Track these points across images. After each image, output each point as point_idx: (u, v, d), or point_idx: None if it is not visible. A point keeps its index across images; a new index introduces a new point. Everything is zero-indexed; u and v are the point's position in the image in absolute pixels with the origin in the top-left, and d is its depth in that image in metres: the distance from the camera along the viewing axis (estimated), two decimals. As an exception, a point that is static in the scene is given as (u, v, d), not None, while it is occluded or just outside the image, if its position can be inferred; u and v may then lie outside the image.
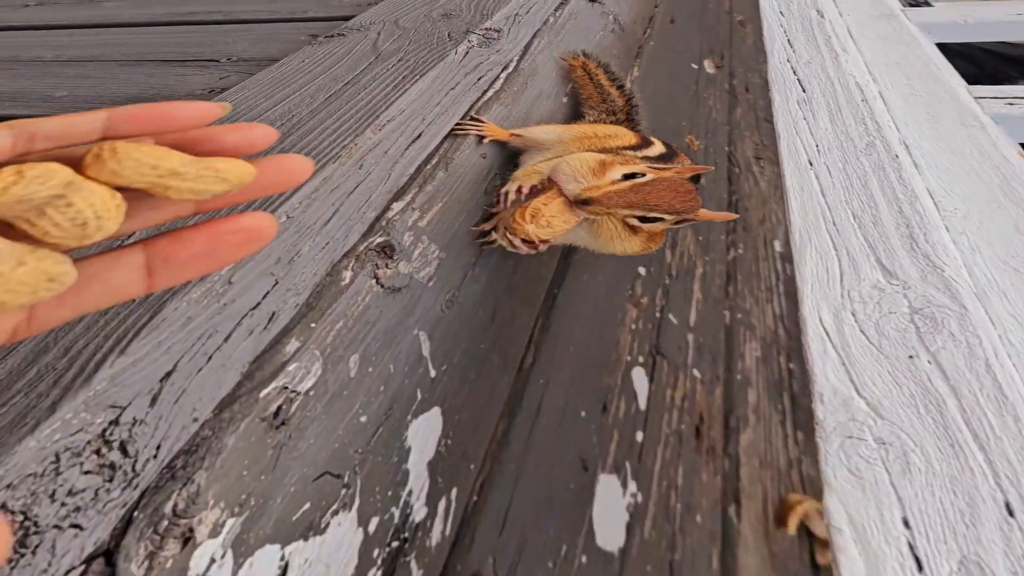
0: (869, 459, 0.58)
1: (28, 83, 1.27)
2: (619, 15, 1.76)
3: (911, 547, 0.52)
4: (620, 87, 1.20)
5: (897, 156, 1.07)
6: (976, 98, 1.25)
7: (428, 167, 0.89)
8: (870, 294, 0.78)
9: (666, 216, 0.67)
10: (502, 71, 1.17)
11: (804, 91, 1.38)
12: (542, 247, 0.75)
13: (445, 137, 0.94)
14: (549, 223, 0.68)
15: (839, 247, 0.88)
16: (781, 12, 1.84)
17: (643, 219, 0.67)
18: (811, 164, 1.09)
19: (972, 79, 1.44)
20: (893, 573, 0.50)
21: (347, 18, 1.47)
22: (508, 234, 0.75)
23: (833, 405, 0.64)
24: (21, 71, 1.34)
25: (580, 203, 0.67)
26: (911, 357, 0.68)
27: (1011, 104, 1.21)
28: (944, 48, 1.63)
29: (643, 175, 0.69)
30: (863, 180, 1.02)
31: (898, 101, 1.28)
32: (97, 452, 0.50)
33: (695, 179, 0.92)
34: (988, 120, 1.16)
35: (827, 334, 0.73)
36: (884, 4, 1.89)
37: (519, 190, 0.78)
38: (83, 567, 0.46)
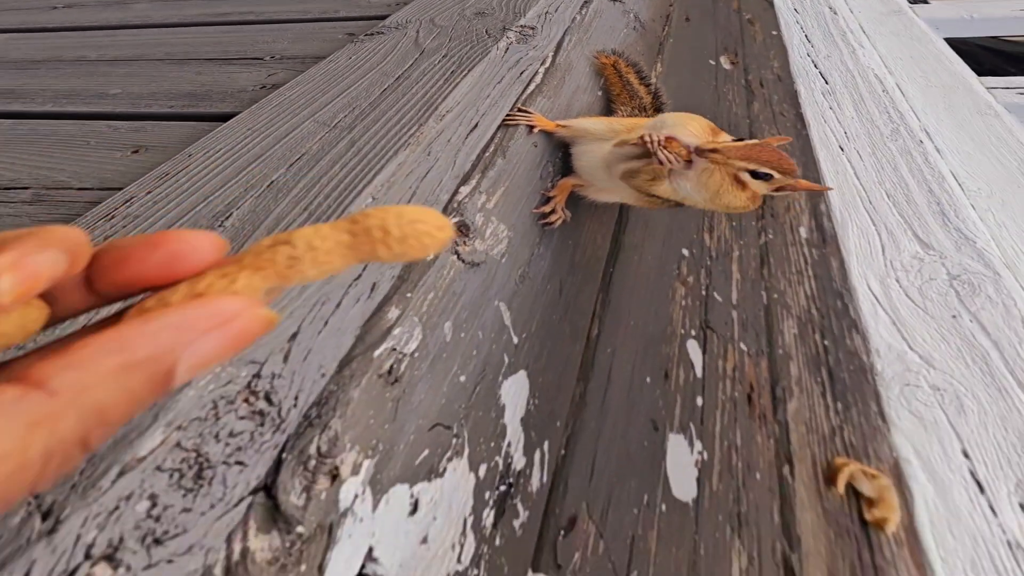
0: (926, 403, 0.66)
1: (79, 82, 1.33)
2: (639, 13, 1.85)
3: (972, 473, 0.60)
4: (647, 85, 1.27)
5: (921, 141, 1.15)
6: (989, 88, 1.34)
7: (487, 154, 0.96)
8: (911, 263, 0.86)
9: (774, 173, 0.73)
10: (541, 66, 1.25)
11: (827, 83, 1.47)
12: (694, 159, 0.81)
13: (498, 127, 1.02)
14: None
15: (877, 223, 0.96)
16: (795, 9, 1.93)
17: (754, 174, 0.73)
18: (842, 149, 1.17)
19: (977, 74, 1.54)
20: (959, 495, 0.58)
21: (379, 17, 1.54)
22: (666, 151, 0.82)
23: (889, 359, 0.72)
24: (68, 70, 1.40)
25: (705, 152, 0.74)
26: (954, 317, 0.76)
27: (1022, 94, 1.30)
28: (949, 47, 1.73)
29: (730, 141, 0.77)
30: (893, 163, 1.11)
31: (916, 92, 1.37)
32: (246, 400, 0.57)
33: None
34: (1002, 108, 1.25)
35: (876, 299, 0.81)
36: (892, 1, 1.99)
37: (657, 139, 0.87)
38: (251, 497, 0.52)
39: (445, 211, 0.84)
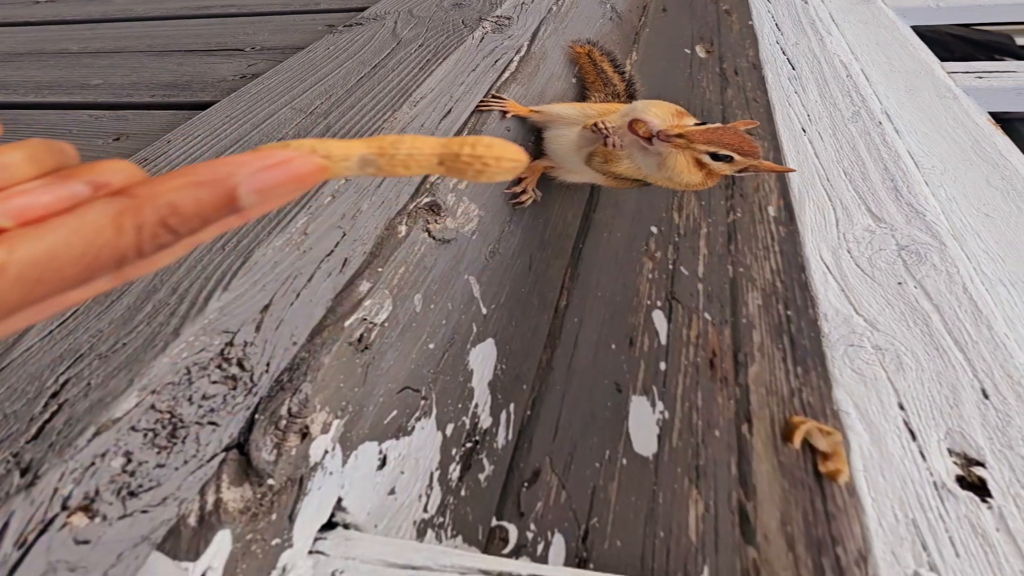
0: (868, 361, 0.69)
1: (61, 73, 1.34)
2: (615, 4, 1.86)
3: (906, 423, 0.62)
4: (621, 73, 1.29)
5: (880, 123, 1.18)
6: (949, 73, 1.37)
7: None
8: (862, 235, 0.88)
9: (735, 155, 0.75)
10: (516, 54, 1.27)
11: (794, 69, 1.50)
12: (654, 141, 0.83)
13: (472, 112, 1.04)
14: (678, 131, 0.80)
15: (833, 199, 0.99)
16: (767, -1, 1.96)
17: (715, 156, 0.75)
18: (804, 131, 1.20)
19: (943, 60, 1.56)
20: (892, 442, 0.61)
21: (359, 9, 1.55)
22: (625, 131, 0.86)
23: (836, 322, 0.74)
24: (50, 62, 1.41)
25: (671, 137, 0.76)
26: (900, 284, 0.79)
27: (980, 78, 1.33)
28: (916, 34, 1.75)
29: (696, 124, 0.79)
30: (851, 144, 1.13)
31: (879, 77, 1.40)
32: (219, 367, 0.59)
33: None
34: (960, 92, 1.28)
35: (827, 268, 0.84)
36: (862, -10, 2.02)
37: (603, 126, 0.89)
38: (224, 454, 0.54)
39: (417, 192, 0.86)
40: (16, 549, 0.38)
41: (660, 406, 0.79)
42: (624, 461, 0.72)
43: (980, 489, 0.58)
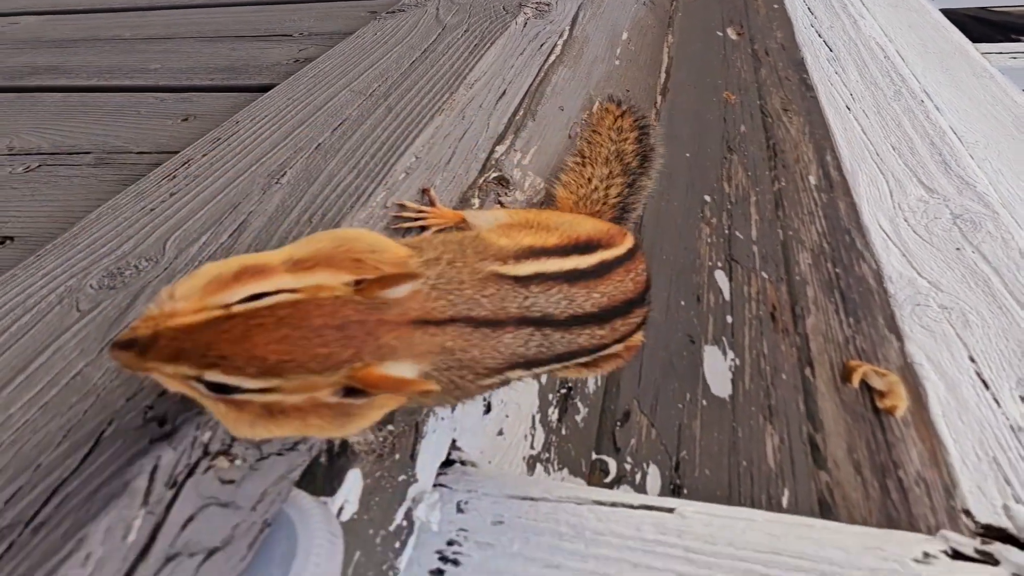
0: (935, 319, 0.70)
1: (119, 58, 1.32)
2: (652, -13, 1.83)
3: (978, 374, 0.64)
4: (645, 157, 0.85)
5: (923, 101, 1.17)
6: (983, 54, 1.36)
7: (518, 117, 0.97)
8: (917, 206, 0.89)
9: (251, 383, 0.36)
10: (559, 39, 1.25)
11: (831, 51, 1.48)
12: None
13: (525, 93, 1.03)
14: None
15: (885, 172, 0.99)
16: (800, -18, 1.92)
17: (214, 387, 0.36)
18: (849, 109, 1.19)
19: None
20: (967, 391, 0.63)
21: (396, -3, 1.53)
22: None
23: (900, 284, 0.76)
24: (106, 48, 1.39)
25: (118, 347, 0.36)
26: (958, 249, 0.80)
27: (1014, 58, 1.32)
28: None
29: (285, 292, 0.39)
30: (896, 121, 1.13)
31: (915, 58, 1.38)
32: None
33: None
34: (996, 71, 1.27)
35: (887, 235, 0.84)
36: (889, -24, 1.98)
37: None
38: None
39: (484, 168, 0.83)
40: (168, 488, 0.40)
41: (731, 354, 0.81)
42: (704, 402, 0.74)
43: (1054, 431, 0.60)
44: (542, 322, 0.49)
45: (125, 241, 0.62)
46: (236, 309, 0.37)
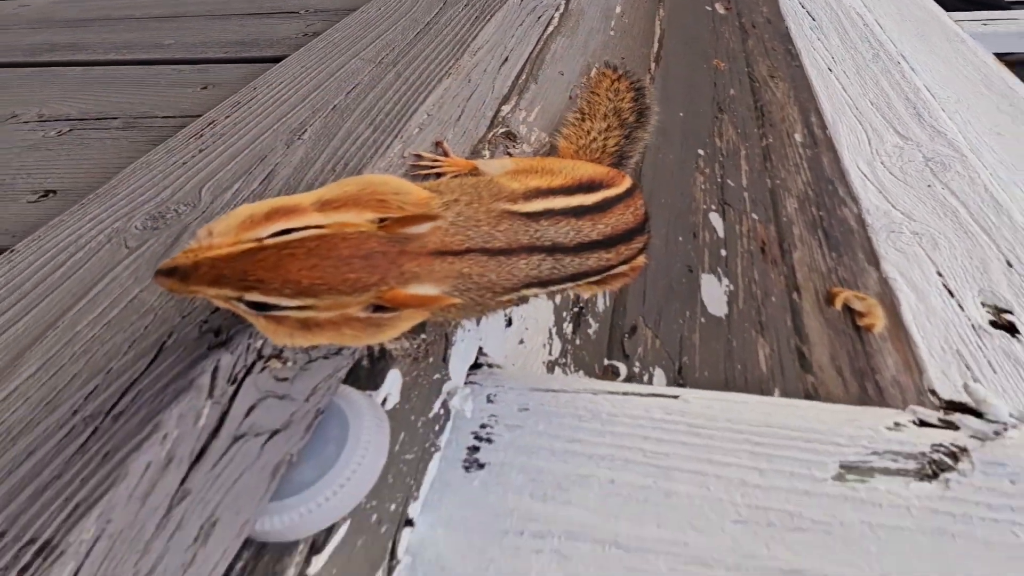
0: (908, 243, 0.77)
1: (133, 35, 1.35)
2: (644, -39, 1.88)
3: (944, 286, 0.71)
4: (640, 113, 0.89)
5: (899, 62, 1.25)
6: (956, 21, 1.43)
7: (521, 80, 1.02)
8: (892, 151, 0.96)
9: (288, 302, 0.41)
10: (556, 12, 1.30)
11: (814, 20, 1.54)
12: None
13: (527, 60, 1.08)
14: None
15: (864, 124, 1.06)
16: (785, -44, 1.98)
17: (255, 305, 0.41)
18: (830, 70, 1.26)
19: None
20: (935, 299, 0.70)
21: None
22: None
23: (876, 215, 0.83)
24: (119, 27, 1.41)
25: (162, 274, 0.41)
26: (929, 186, 0.87)
27: (985, 24, 1.39)
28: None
29: (312, 228, 0.43)
30: (875, 80, 1.20)
31: (892, 25, 1.45)
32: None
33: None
34: (967, 36, 1.34)
35: (865, 175, 0.91)
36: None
37: None
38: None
39: (493, 124, 0.88)
40: (229, 384, 0.44)
41: (726, 281, 0.87)
42: (702, 320, 0.81)
43: (1010, 329, 0.68)
44: (553, 249, 0.54)
45: (163, 190, 0.67)
46: (268, 242, 0.41)
